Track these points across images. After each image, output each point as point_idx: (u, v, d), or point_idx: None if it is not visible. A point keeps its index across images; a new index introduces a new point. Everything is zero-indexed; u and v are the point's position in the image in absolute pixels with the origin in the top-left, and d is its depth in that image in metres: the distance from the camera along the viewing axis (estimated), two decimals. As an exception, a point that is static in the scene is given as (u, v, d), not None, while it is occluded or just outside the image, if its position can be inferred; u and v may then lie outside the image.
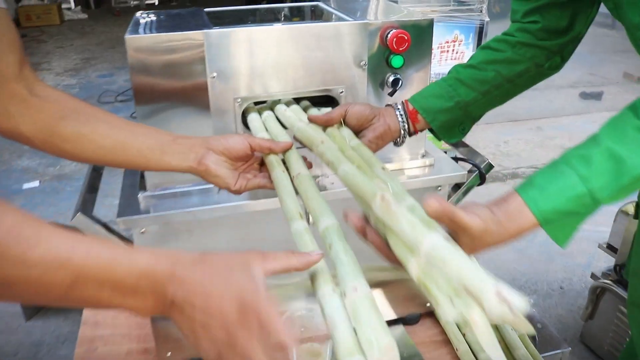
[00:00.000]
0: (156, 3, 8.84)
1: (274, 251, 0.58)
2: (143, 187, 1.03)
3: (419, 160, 1.15)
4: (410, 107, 0.95)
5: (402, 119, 0.94)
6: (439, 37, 2.46)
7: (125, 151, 0.78)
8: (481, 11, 2.44)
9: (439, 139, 1.01)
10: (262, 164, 0.87)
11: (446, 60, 2.59)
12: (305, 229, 0.69)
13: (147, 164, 0.80)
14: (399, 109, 0.94)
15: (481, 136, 3.45)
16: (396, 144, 0.96)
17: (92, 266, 0.50)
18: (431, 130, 0.98)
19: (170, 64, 0.93)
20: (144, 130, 0.80)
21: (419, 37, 1.03)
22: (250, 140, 0.83)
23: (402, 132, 0.94)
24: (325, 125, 0.90)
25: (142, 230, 1.01)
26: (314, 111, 0.98)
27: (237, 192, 0.84)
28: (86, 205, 1.02)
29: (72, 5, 8.02)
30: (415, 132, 0.97)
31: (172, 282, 0.53)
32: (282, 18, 1.33)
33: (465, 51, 2.59)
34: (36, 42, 6.42)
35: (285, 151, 0.86)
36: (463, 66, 0.98)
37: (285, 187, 0.79)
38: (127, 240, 1.02)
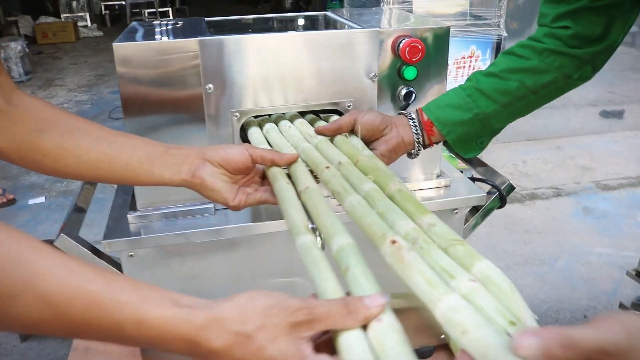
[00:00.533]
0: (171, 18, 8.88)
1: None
2: (133, 207, 0.95)
3: (434, 180, 1.06)
4: (425, 117, 0.86)
5: (417, 130, 0.86)
6: (455, 52, 2.38)
7: (111, 165, 0.70)
8: (499, 26, 2.36)
9: (455, 153, 0.92)
10: (264, 178, 0.78)
11: (462, 76, 2.51)
12: (313, 243, 0.58)
13: (135, 178, 0.71)
14: (412, 118, 0.86)
15: (498, 155, 3.35)
16: (410, 156, 0.89)
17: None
18: (445, 143, 0.90)
19: (162, 75, 0.86)
20: (132, 141, 0.72)
21: (434, 46, 0.95)
22: (251, 151, 0.74)
23: (417, 144, 0.86)
24: (333, 134, 0.83)
25: (130, 253, 0.92)
26: (321, 123, 0.90)
27: (236, 208, 0.75)
28: (72, 226, 0.94)
29: (89, 23, 8.11)
30: (430, 145, 0.89)
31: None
32: (291, 28, 1.26)
33: (482, 67, 2.51)
34: (52, 58, 6.47)
35: (290, 164, 0.76)
36: (483, 74, 0.89)
37: (290, 198, 0.68)
38: (115, 264, 0.94)
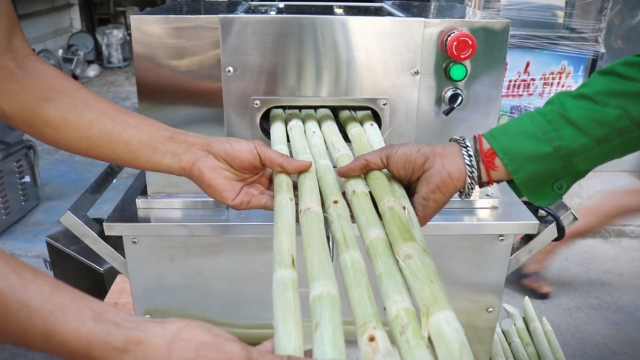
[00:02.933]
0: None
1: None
2: (144, 192, 0.90)
3: (480, 199, 0.92)
4: (486, 146, 0.65)
5: (471, 161, 0.64)
6: (543, 66, 2.18)
7: (111, 144, 0.65)
8: (596, 41, 2.13)
9: (520, 196, 0.69)
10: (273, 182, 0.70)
11: (549, 93, 2.29)
12: (292, 283, 0.49)
13: (134, 160, 0.66)
14: (467, 146, 0.65)
15: (584, 183, 3.05)
16: (461, 195, 0.67)
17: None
18: (510, 182, 0.67)
19: (180, 53, 0.80)
20: (138, 121, 0.66)
21: (488, 44, 0.82)
22: (261, 151, 0.67)
23: (470, 180, 0.65)
24: (360, 173, 0.68)
25: (134, 239, 0.87)
26: (356, 130, 0.79)
27: (236, 208, 0.68)
28: (82, 205, 0.90)
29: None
30: (490, 183, 0.67)
31: None
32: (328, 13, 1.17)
33: (574, 85, 2.28)
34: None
35: (300, 172, 0.68)
36: (572, 95, 0.67)
37: (285, 218, 0.60)
38: (119, 249, 0.89)
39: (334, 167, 0.69)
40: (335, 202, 0.61)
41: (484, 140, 0.65)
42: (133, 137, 0.65)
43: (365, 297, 0.46)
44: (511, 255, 0.94)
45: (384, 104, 0.84)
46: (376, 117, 0.85)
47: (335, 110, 0.87)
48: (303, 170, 0.68)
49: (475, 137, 0.66)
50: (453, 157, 0.65)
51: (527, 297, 1.54)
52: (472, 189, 0.66)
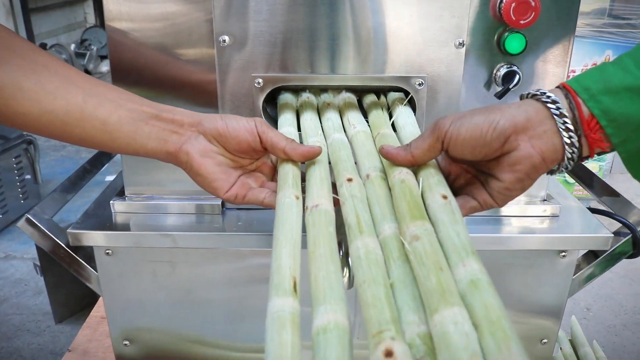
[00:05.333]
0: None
1: None
2: (122, 192, 0.74)
3: (537, 206, 0.74)
4: (586, 111, 0.45)
5: (572, 138, 0.45)
6: (585, 56, 1.98)
7: (82, 121, 0.50)
8: (645, 28, 1.93)
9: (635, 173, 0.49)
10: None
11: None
12: (292, 318, 0.36)
13: (112, 142, 0.52)
14: (562, 115, 0.45)
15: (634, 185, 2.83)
16: (549, 173, 0.51)
17: None
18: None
19: (162, 17, 0.63)
20: (116, 95, 0.52)
21: (554, 8, 0.64)
22: (262, 131, 0.54)
23: (567, 162, 0.47)
24: (409, 165, 0.51)
25: (107, 250, 0.71)
26: (379, 113, 0.63)
27: (230, 201, 0.55)
28: (47, 208, 0.74)
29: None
30: (590, 157, 0.48)
31: None
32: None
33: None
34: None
35: (307, 160, 0.54)
36: None
37: (288, 224, 0.46)
38: (91, 265, 0.73)
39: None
40: (350, 179, 0.50)
41: (582, 105, 0.45)
42: (111, 114, 0.51)
43: (382, 296, 0.37)
44: (574, 275, 0.75)
45: (419, 84, 0.66)
46: (409, 103, 0.67)
47: (358, 94, 0.70)
48: (311, 157, 0.54)
49: (568, 96, 0.46)
50: (544, 132, 0.46)
51: (574, 317, 1.35)
52: (567, 169, 0.48)
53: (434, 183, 0.47)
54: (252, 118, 0.54)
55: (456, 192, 0.52)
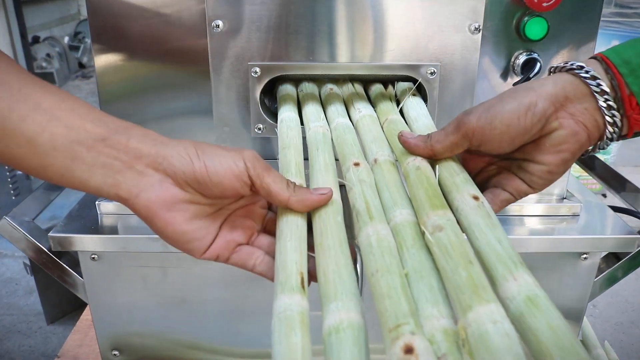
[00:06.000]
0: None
1: None
2: (108, 192, 0.68)
3: (556, 204, 0.69)
4: (626, 88, 0.40)
5: (614, 117, 0.41)
6: (591, 46, 1.92)
7: (4, 136, 0.36)
8: (653, 17, 1.87)
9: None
10: (271, 208, 0.46)
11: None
12: (301, 318, 0.33)
13: (43, 170, 0.37)
14: (603, 91, 0.40)
15: None
16: (585, 154, 0.46)
17: None
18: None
19: (150, 1, 0.57)
20: (54, 102, 0.37)
21: (583, -13, 0.58)
22: (256, 175, 0.40)
23: (606, 140, 0.43)
24: (427, 158, 0.45)
25: (93, 255, 0.65)
26: (388, 106, 0.57)
27: (209, 259, 0.42)
28: (27, 208, 0.69)
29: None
30: (628, 136, 0.44)
31: None
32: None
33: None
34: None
35: (313, 209, 0.42)
36: None
37: (292, 216, 0.41)
38: (76, 271, 0.67)
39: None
40: (357, 164, 0.46)
41: (623, 79, 0.40)
42: (41, 130, 0.36)
43: (398, 287, 0.33)
44: (596, 277, 0.70)
45: (431, 73, 0.60)
46: (422, 92, 0.62)
47: (364, 84, 0.64)
48: (318, 206, 0.42)
49: (609, 71, 0.41)
50: (585, 109, 0.41)
51: (585, 318, 1.30)
52: (602, 149, 0.44)
53: (461, 182, 0.41)
54: (241, 153, 0.40)
55: (483, 187, 0.47)
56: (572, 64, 0.42)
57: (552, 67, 0.45)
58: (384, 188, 0.43)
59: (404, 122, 0.54)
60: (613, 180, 0.82)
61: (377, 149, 0.48)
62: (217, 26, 0.58)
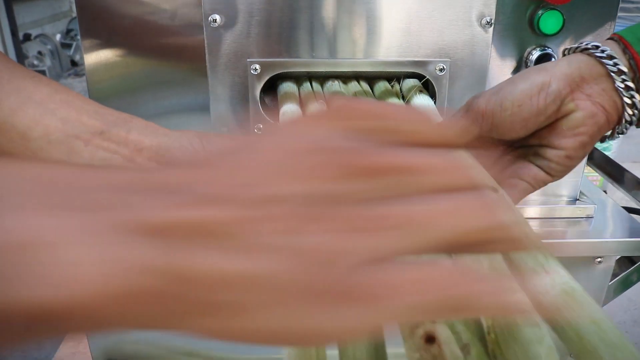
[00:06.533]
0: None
1: None
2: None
3: (569, 207, 0.66)
4: None
5: (633, 98, 0.39)
6: (591, 42, 1.90)
7: None
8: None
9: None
10: None
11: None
12: None
13: None
14: (620, 71, 0.38)
15: None
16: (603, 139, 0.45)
17: None
18: None
19: (142, -9, 0.54)
20: (47, 94, 0.35)
21: (600, -22, 0.55)
22: None
23: (626, 121, 0.40)
24: (445, 144, 0.42)
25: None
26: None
27: None
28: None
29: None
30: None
31: None
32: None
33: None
34: None
35: None
36: None
37: None
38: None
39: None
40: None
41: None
42: (34, 124, 0.34)
43: None
44: (610, 281, 0.68)
45: (440, 70, 0.57)
46: (427, 90, 0.59)
47: (369, 82, 0.61)
48: None
49: (626, 50, 0.39)
50: (602, 90, 0.39)
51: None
52: (621, 133, 0.42)
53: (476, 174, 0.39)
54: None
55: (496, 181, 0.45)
56: (587, 44, 0.40)
57: (566, 48, 0.43)
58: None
59: None
60: (613, 172, 0.79)
61: None
62: (214, 20, 0.55)
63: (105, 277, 0.14)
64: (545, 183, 0.44)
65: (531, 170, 0.43)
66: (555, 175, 0.43)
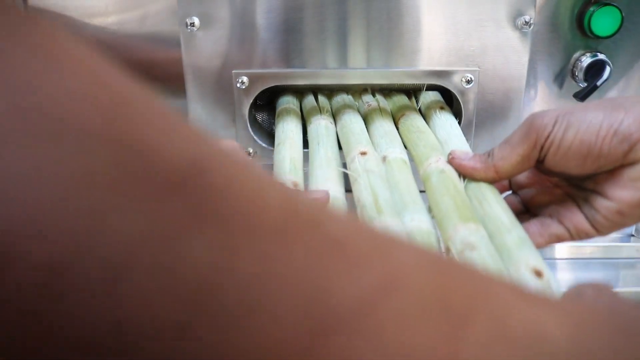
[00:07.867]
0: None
1: None
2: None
3: (623, 245, 0.55)
4: None
5: None
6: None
7: None
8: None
9: None
10: None
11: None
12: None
13: None
14: None
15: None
16: None
17: None
18: None
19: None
20: None
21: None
22: None
23: None
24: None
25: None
26: (411, 122, 0.45)
27: None
28: None
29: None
30: None
31: None
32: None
33: None
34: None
35: None
36: None
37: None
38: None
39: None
40: (364, 153, 0.40)
41: None
42: None
43: None
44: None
45: (467, 82, 0.47)
46: (450, 106, 0.49)
47: (385, 95, 0.51)
48: None
49: None
50: None
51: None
52: None
53: (489, 191, 0.36)
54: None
55: (535, 211, 0.39)
56: None
57: None
58: (394, 189, 0.37)
59: (423, 121, 0.45)
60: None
61: (387, 146, 0.41)
62: (192, 24, 0.45)
63: None
64: (587, 236, 0.37)
65: (575, 217, 0.37)
66: (601, 230, 0.37)
